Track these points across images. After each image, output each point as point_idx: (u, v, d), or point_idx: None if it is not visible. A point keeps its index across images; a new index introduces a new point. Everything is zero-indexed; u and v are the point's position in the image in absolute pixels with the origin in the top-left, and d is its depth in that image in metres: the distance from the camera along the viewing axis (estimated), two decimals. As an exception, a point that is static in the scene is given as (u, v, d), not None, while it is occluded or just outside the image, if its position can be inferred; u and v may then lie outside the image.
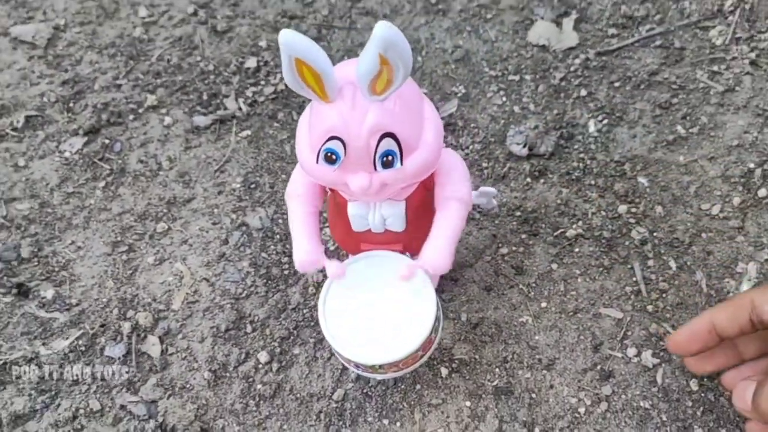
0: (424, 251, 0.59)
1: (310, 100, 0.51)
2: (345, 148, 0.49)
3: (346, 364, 0.63)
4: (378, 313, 0.60)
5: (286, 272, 0.77)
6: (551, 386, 0.69)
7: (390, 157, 0.51)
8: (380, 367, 0.59)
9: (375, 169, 0.51)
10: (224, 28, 0.95)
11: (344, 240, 0.65)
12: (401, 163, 0.51)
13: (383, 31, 0.43)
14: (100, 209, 0.81)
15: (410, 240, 0.62)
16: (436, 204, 0.60)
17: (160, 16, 0.96)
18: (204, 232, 0.79)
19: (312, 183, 0.60)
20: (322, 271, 0.76)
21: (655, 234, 0.79)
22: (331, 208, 0.63)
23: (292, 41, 0.44)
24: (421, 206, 0.60)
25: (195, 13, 0.96)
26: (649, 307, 0.74)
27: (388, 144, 0.50)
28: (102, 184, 0.82)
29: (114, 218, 0.80)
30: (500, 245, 0.79)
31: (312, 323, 0.73)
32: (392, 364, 0.59)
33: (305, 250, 0.58)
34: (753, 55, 0.91)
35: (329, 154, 0.50)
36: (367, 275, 0.61)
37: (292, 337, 0.73)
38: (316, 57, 0.45)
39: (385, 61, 0.45)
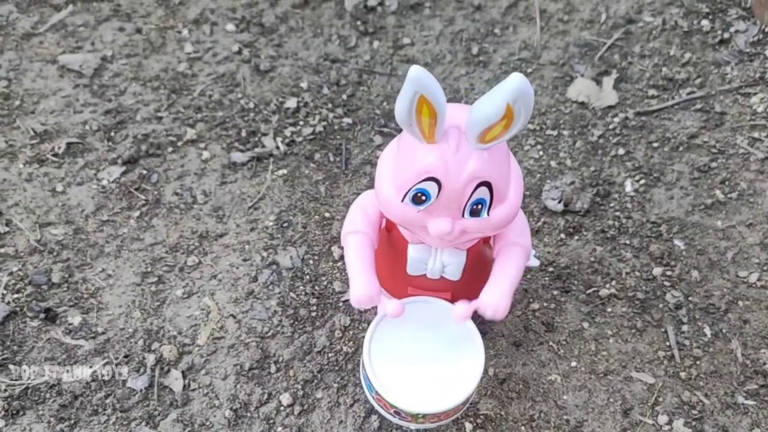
0: (484, 295, 0.57)
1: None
2: (439, 191, 0.49)
3: (381, 410, 0.62)
4: (424, 360, 0.59)
5: (313, 314, 0.76)
6: (579, 449, 0.67)
7: (480, 206, 0.50)
8: (422, 416, 0.58)
9: (462, 215, 0.51)
10: (267, 68, 0.96)
11: (391, 282, 0.64)
12: (488, 214, 0.51)
13: (518, 83, 0.43)
14: (133, 239, 0.81)
15: (461, 291, 0.61)
16: (496, 251, 0.59)
17: (205, 52, 0.98)
18: (234, 268, 0.79)
19: (372, 221, 0.60)
20: (350, 314, 0.76)
21: (690, 299, 0.78)
22: (383, 248, 0.62)
23: (421, 77, 0.44)
24: (479, 258, 0.60)
25: (239, 52, 0.98)
26: (682, 374, 0.73)
27: (483, 193, 0.49)
28: (136, 213, 0.83)
29: (146, 249, 0.80)
30: (531, 300, 0.78)
31: (336, 368, 0.72)
32: (435, 414, 0.58)
33: (364, 284, 0.57)
34: (795, 123, 0.90)
35: (419, 195, 0.50)
36: (415, 320, 0.61)
37: (315, 381, 0.72)
38: (439, 97, 0.45)
39: (510, 112, 0.45)
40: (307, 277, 0.79)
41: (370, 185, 0.86)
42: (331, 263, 0.80)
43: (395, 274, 0.62)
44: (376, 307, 0.58)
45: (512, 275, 0.58)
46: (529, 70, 0.99)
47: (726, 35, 1.00)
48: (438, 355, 0.60)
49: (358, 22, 1.02)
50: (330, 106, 0.93)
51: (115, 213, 0.83)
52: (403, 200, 0.51)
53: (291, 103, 0.93)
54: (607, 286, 0.79)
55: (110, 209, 0.83)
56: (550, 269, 0.80)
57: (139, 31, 0.99)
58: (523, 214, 0.60)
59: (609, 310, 0.77)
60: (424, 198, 0.50)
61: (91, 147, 0.88)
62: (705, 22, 1.02)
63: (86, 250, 0.80)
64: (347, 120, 0.92)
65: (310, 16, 1.03)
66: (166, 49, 0.98)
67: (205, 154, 0.88)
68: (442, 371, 0.59)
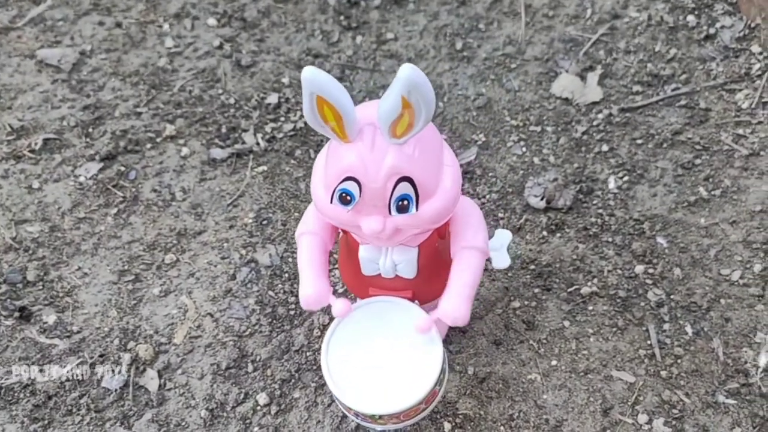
0: (443, 303, 0.57)
1: (328, 139, 0.50)
2: (360, 190, 0.48)
3: (345, 412, 0.61)
4: (382, 361, 0.58)
5: (292, 312, 0.75)
6: (557, 449, 0.67)
7: (405, 202, 0.49)
8: (380, 417, 0.57)
9: (390, 213, 0.50)
10: (248, 63, 0.95)
11: (353, 283, 0.63)
12: (416, 209, 0.50)
13: (408, 73, 0.42)
14: (110, 236, 0.80)
15: (420, 288, 0.60)
16: (452, 253, 0.58)
17: (186, 47, 0.97)
18: (212, 266, 0.78)
19: (325, 222, 0.59)
20: (328, 313, 0.75)
21: (672, 297, 0.77)
22: (342, 249, 0.62)
23: (314, 78, 0.43)
24: (434, 254, 0.59)
25: (220, 47, 0.97)
26: (663, 373, 0.72)
27: (405, 188, 0.49)
28: (114, 211, 0.82)
29: (123, 246, 0.79)
30: (512, 299, 0.77)
31: (315, 367, 0.72)
32: (393, 415, 0.57)
33: (312, 285, 0.57)
34: (780, 120, 0.90)
35: (344, 195, 0.49)
36: (374, 321, 0.60)
37: (293, 380, 0.71)
38: (337, 96, 0.44)
39: (407, 103, 0.44)
40: (286, 275, 0.78)
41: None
42: (310, 261, 0.79)
43: (355, 275, 0.62)
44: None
45: (470, 281, 0.57)
46: (513, 66, 0.98)
47: (712, 31, 0.99)
48: (396, 356, 0.59)
49: (341, 17, 1.01)
50: (311, 101, 0.93)
51: (92, 210, 0.82)
52: (331, 201, 0.50)
53: (272, 98, 0.92)
54: (589, 284, 0.78)
55: (87, 206, 0.82)
56: (532, 267, 0.79)
57: (119, 25, 0.98)
58: (478, 210, 0.59)
59: (590, 308, 0.76)
60: (348, 198, 0.49)
61: (69, 143, 0.87)
62: (691, 18, 1.01)
63: (62, 248, 0.79)
64: (329, 116, 0.91)
65: (292, 10, 1.02)
66: (146, 44, 0.97)
67: (185, 151, 0.87)
68: (400, 371, 0.58)
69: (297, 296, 0.76)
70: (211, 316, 0.75)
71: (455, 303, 0.56)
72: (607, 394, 0.71)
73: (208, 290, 0.77)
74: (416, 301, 0.61)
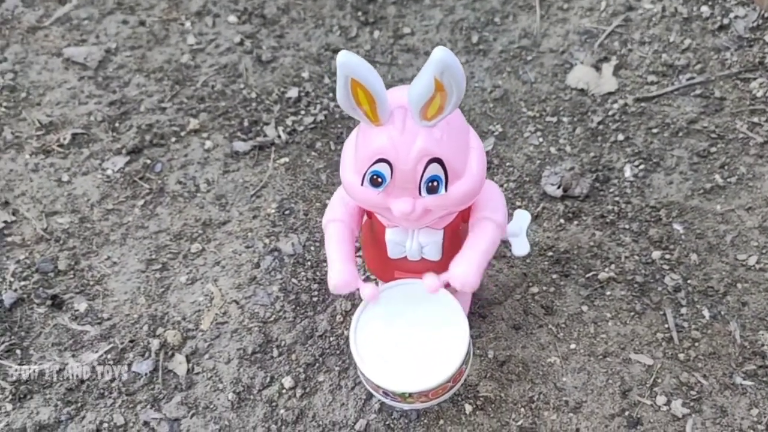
0: (453, 266, 0.58)
1: (352, 127, 0.52)
2: (392, 172, 0.50)
3: (373, 392, 0.63)
4: (410, 341, 0.60)
5: (315, 299, 0.77)
6: (577, 429, 0.68)
7: (435, 183, 0.51)
8: (409, 395, 0.59)
9: (420, 194, 0.51)
10: (268, 58, 0.97)
11: (378, 267, 0.65)
12: (446, 190, 0.51)
13: (441, 55, 0.44)
14: (137, 227, 0.82)
15: (444, 270, 0.62)
16: (470, 225, 0.60)
17: (208, 44, 0.99)
18: (237, 254, 0.80)
19: (351, 208, 0.61)
20: (351, 299, 0.77)
21: (689, 281, 0.78)
22: (367, 234, 0.64)
23: (349, 62, 0.45)
24: (458, 236, 0.61)
25: (241, 43, 0.99)
26: (681, 356, 0.73)
27: (435, 169, 0.50)
28: (141, 202, 0.84)
29: (150, 236, 0.81)
30: (531, 284, 0.78)
31: (338, 351, 0.73)
32: (422, 393, 0.59)
33: (340, 270, 0.58)
34: (795, 107, 0.90)
35: (375, 177, 0.51)
36: (400, 303, 0.61)
37: (317, 364, 0.73)
38: (371, 79, 0.46)
39: (440, 85, 0.46)
40: (309, 263, 0.80)
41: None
42: (332, 249, 0.81)
43: (380, 258, 0.63)
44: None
45: (482, 248, 0.58)
46: (529, 58, 0.99)
47: (725, 21, 1.00)
48: (423, 335, 0.60)
49: (359, 13, 1.03)
50: (331, 95, 0.94)
51: (119, 202, 0.84)
52: (362, 184, 0.51)
53: (292, 92, 0.94)
54: (606, 269, 0.79)
55: (115, 198, 0.84)
56: (550, 253, 0.81)
57: (142, 23, 1.01)
58: (500, 191, 0.60)
59: (608, 293, 0.78)
60: (379, 180, 0.50)
61: (96, 137, 0.89)
62: (704, 8, 1.02)
63: (92, 238, 0.81)
64: (348, 109, 0.93)
65: (311, 6, 1.04)
66: (169, 41, 0.99)
67: (208, 144, 0.89)
68: (427, 351, 0.60)
69: (320, 283, 0.78)
70: (237, 302, 0.77)
71: (465, 268, 0.57)
72: (626, 376, 0.72)
73: (233, 278, 0.79)
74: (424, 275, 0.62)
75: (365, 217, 0.63)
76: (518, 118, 0.93)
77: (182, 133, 0.90)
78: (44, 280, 0.78)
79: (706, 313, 0.76)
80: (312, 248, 0.81)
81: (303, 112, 0.93)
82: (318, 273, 0.79)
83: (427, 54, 0.99)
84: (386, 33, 1.01)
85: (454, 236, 0.60)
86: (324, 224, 0.62)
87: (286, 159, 0.88)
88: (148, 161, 0.87)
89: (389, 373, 0.58)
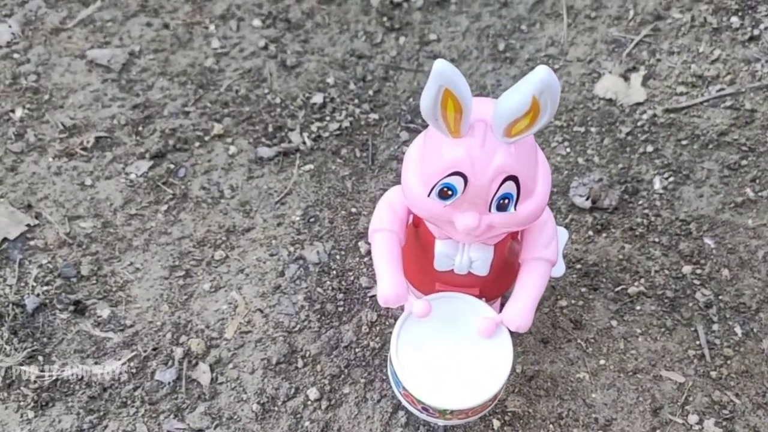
0: (509, 309, 0.58)
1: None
2: (465, 186, 0.49)
3: (409, 406, 0.61)
4: (452, 356, 0.59)
5: (340, 309, 0.76)
6: (608, 448, 0.67)
7: (506, 201, 0.50)
8: (450, 412, 0.58)
9: (489, 210, 0.50)
10: (293, 63, 0.96)
11: (418, 278, 0.64)
12: (515, 209, 0.50)
13: (544, 74, 0.43)
14: (161, 233, 0.81)
15: (488, 286, 0.61)
16: (522, 259, 0.59)
17: (232, 48, 0.98)
18: (261, 262, 0.79)
19: (400, 217, 0.59)
20: (377, 310, 0.75)
21: (720, 297, 0.77)
22: (410, 242, 0.62)
23: (446, 71, 0.43)
24: (507, 254, 0.60)
25: (266, 47, 0.98)
26: (713, 373, 0.72)
27: (509, 187, 0.49)
28: (164, 208, 0.83)
29: (173, 242, 0.80)
30: (559, 297, 0.77)
31: (363, 363, 0.72)
32: (463, 411, 0.58)
33: (391, 283, 0.57)
34: (828, 121, 0.89)
35: (445, 190, 0.49)
36: (442, 316, 0.60)
37: (342, 376, 0.72)
38: (464, 91, 0.45)
39: (536, 105, 0.44)
40: (334, 272, 0.79)
41: (397, 181, 0.85)
42: (357, 258, 0.80)
43: (422, 269, 0.62)
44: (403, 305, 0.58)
45: (535, 292, 0.58)
46: (556, 67, 0.98)
47: (756, 32, 0.99)
48: (466, 351, 0.59)
49: (384, 18, 1.02)
50: (356, 101, 0.93)
51: (143, 207, 0.83)
52: (429, 195, 0.50)
53: (317, 98, 0.93)
54: (636, 284, 0.78)
55: (138, 203, 0.83)
56: (578, 266, 0.79)
57: (166, 26, 1.00)
58: (553, 220, 0.60)
59: (638, 308, 0.76)
60: (450, 193, 0.49)
61: (120, 141, 0.88)
62: (734, 19, 1.00)
63: (115, 243, 0.80)
64: (374, 116, 0.92)
65: (336, 12, 1.03)
66: (193, 45, 0.98)
67: (232, 149, 0.88)
68: (470, 367, 0.59)
69: (345, 293, 0.77)
70: (261, 311, 0.76)
71: (521, 311, 0.57)
72: (657, 393, 0.71)
73: (257, 286, 0.78)
74: (483, 299, 0.62)
75: (409, 221, 0.62)
76: (545, 128, 0.92)
77: (206, 138, 0.89)
78: (67, 286, 0.77)
79: (738, 330, 0.75)
80: (337, 257, 0.80)
81: (328, 118, 0.92)
82: (344, 282, 0.78)
83: (454, 61, 0.98)
84: (412, 39, 1.00)
85: (503, 253, 0.59)
86: (370, 233, 0.60)
87: (311, 166, 0.87)
88: (172, 166, 0.86)
89: (432, 388, 0.57)
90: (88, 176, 0.85)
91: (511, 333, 0.59)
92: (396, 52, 0.99)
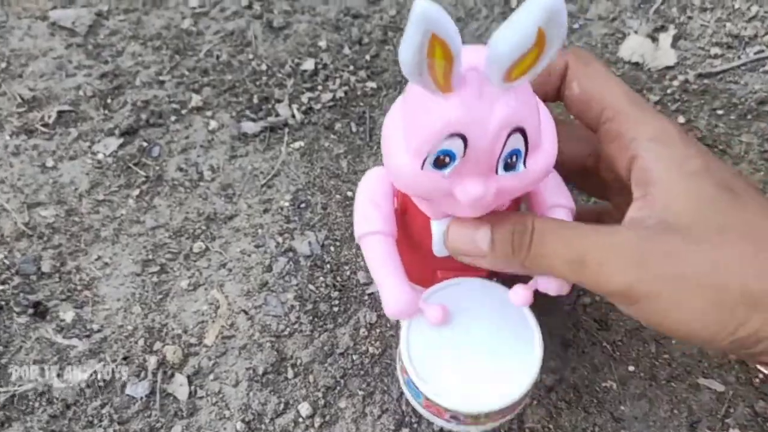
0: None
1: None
2: (465, 148, 0.39)
3: (432, 417, 0.53)
4: (474, 350, 0.50)
5: (335, 309, 0.67)
6: (642, 473, 0.59)
7: (514, 158, 0.41)
8: (485, 415, 0.49)
9: (495, 172, 0.41)
10: (281, 24, 0.86)
11: (415, 269, 0.54)
12: (525, 165, 0.41)
13: (547, 1, 0.33)
14: (132, 221, 0.72)
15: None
16: (539, 211, 0.50)
17: (212, 7, 0.87)
18: (246, 255, 0.70)
19: (385, 212, 0.50)
20: (378, 310, 0.67)
21: (764, 293, 0.68)
22: (399, 233, 0.53)
23: (431, 13, 0.33)
24: None
25: (249, 6, 0.87)
26: (755, 381, 0.64)
27: (516, 141, 0.40)
28: (136, 192, 0.74)
29: (147, 233, 0.71)
30: (581, 293, 0.68)
31: (362, 372, 0.64)
32: (499, 411, 0.49)
33: (397, 294, 0.49)
34: None
35: (442, 157, 0.40)
36: (453, 308, 0.52)
37: (338, 387, 0.63)
38: (454, 34, 0.35)
39: (541, 37, 0.35)
40: (328, 266, 0.70)
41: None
42: (354, 250, 0.71)
43: (419, 258, 0.53)
44: None
45: None
46: (575, 26, 0.88)
47: (800, -15, 0.88)
48: (488, 344, 0.51)
49: (383, -28, 0.91)
50: (352, 68, 0.83)
51: (112, 191, 0.74)
52: (422, 167, 0.40)
53: (308, 64, 0.83)
54: (669, 277, 0.69)
55: (107, 187, 0.74)
56: (604, 258, 0.70)
57: (137, -18, 0.89)
58: (555, 171, 0.50)
59: (671, 305, 0.68)
60: (448, 160, 0.40)
61: (86, 116, 0.78)
62: (776, -30, 0.90)
63: (80, 234, 0.71)
64: (371, 84, 0.82)
65: (328, -36, 0.92)
66: (168, 4, 0.88)
67: (213, 124, 0.78)
68: (497, 361, 0.50)
69: (340, 290, 0.68)
70: (246, 313, 0.67)
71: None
72: (694, 405, 0.63)
73: (241, 283, 0.69)
74: (495, 279, 0.53)
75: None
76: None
77: (183, 111, 0.79)
78: (26, 284, 0.68)
79: (785, 330, 0.66)
80: (332, 248, 0.71)
81: (320, 88, 0.81)
82: (339, 278, 0.69)
83: (460, 20, 0.87)
84: (413, -4, 0.89)
85: None
86: (360, 237, 0.51)
87: (302, 143, 0.78)
88: (145, 144, 0.77)
89: (460, 392, 0.49)
90: (50, 156, 0.75)
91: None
92: (396, 11, 0.88)
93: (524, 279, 0.51)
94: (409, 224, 0.52)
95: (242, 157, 0.76)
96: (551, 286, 0.49)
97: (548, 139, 0.43)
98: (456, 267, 0.52)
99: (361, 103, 0.81)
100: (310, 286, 0.69)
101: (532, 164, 0.42)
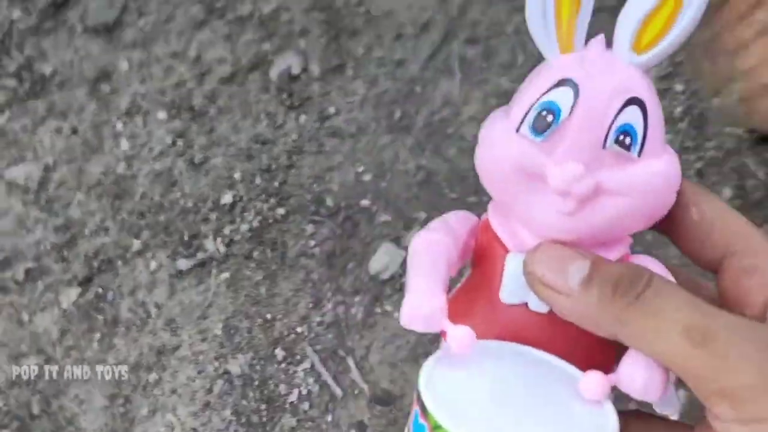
0: (626, 366, 0.34)
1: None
2: (574, 104, 0.32)
3: None
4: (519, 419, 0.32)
5: (264, 419, 0.87)
6: None
7: (628, 139, 0.32)
8: None
9: (604, 144, 0.32)
10: (200, 160, 1.02)
11: (469, 319, 0.38)
12: (639, 155, 0.33)
13: None
14: (98, 361, 0.91)
15: (577, 344, 0.35)
16: None
17: (141, 147, 1.03)
18: (191, 381, 0.89)
19: (452, 230, 0.36)
20: (296, 415, 0.87)
21: None
22: (467, 282, 0.39)
23: None
24: None
25: (173, 143, 1.03)
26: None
27: (633, 115, 0.33)
28: (98, 335, 0.92)
29: (110, 370, 0.90)
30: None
31: (288, 472, 0.84)
32: None
33: (423, 298, 0.34)
34: None
35: (544, 114, 0.32)
36: (504, 378, 0.34)
37: (271, 488, 0.84)
38: None
39: None
40: (256, 383, 0.89)
41: (308, 279, 0.94)
42: (275, 365, 0.90)
43: (483, 306, 0.36)
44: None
45: None
46: (450, 131, 1.03)
47: None
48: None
49: (284, 95, 1.06)
50: (263, 196, 1.00)
51: (78, 337, 0.92)
52: (518, 129, 0.32)
53: (227, 198, 1.00)
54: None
55: (74, 333, 0.92)
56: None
57: (74, 131, 1.04)
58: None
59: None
60: (551, 118, 0.32)
61: (48, 269, 0.96)
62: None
63: (58, 379, 0.90)
64: (280, 211, 0.99)
65: (237, 92, 1.07)
66: (103, 149, 1.03)
67: (153, 264, 0.96)
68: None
69: (267, 402, 0.88)
70: (195, 431, 0.87)
71: (644, 368, 0.33)
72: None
73: (188, 406, 0.88)
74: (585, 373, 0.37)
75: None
76: (439, 201, 0.99)
77: (127, 255, 0.96)
78: (22, 427, 0.87)
79: None
80: (257, 367, 0.90)
81: (239, 219, 0.99)
82: (265, 392, 0.89)
83: (353, 136, 1.03)
84: (312, 116, 1.05)
85: None
86: (413, 239, 0.38)
87: (227, 274, 0.95)
88: (100, 290, 0.94)
89: None
90: (24, 310, 0.93)
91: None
92: (297, 134, 1.04)
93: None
94: (484, 268, 0.37)
95: (180, 292, 0.94)
96: (637, 379, 0.33)
97: (670, 156, 0.34)
98: (524, 328, 0.35)
99: (273, 230, 0.98)
100: (243, 401, 0.88)
101: (646, 167, 0.33)
